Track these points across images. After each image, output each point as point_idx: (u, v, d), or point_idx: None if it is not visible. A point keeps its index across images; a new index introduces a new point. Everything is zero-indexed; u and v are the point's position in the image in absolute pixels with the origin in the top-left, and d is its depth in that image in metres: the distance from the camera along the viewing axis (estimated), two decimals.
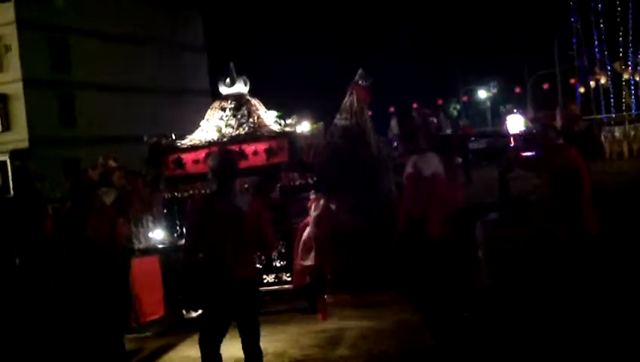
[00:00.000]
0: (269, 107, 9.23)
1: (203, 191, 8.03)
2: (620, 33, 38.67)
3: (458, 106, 60.41)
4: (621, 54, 38.89)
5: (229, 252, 4.99)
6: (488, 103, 57.61)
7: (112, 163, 9.13)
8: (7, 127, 37.12)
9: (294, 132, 8.35)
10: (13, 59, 36.36)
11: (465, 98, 58.09)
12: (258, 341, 5.14)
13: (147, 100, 40.58)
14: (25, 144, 35.79)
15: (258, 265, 8.35)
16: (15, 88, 36.39)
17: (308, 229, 8.21)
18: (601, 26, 39.94)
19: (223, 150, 5.55)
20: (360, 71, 8.71)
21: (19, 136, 36.26)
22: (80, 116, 38.13)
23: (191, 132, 9.05)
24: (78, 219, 6.33)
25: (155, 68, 41.54)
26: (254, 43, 59.49)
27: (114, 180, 9.02)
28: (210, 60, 47.67)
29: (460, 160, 9.84)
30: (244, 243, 5.03)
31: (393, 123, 7.76)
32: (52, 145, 35.49)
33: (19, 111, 36.54)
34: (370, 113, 9.08)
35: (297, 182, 8.39)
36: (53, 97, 37.15)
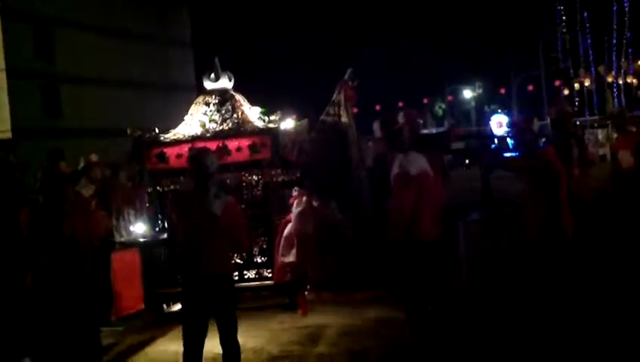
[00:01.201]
0: (253, 103, 9.23)
1: (181, 187, 8.05)
2: (605, 37, 38.99)
3: (443, 105, 60.60)
4: (606, 57, 39.20)
5: (201, 248, 5.03)
6: (473, 103, 57.85)
7: (92, 157, 9.13)
8: None
9: (278, 128, 8.37)
10: None
11: (450, 97, 58.29)
12: (235, 335, 5.16)
13: (133, 94, 40.34)
14: (8, 135, 35.52)
15: (239, 261, 8.39)
16: None
17: (290, 226, 8.23)
18: (587, 29, 40.26)
19: (201, 149, 5.56)
20: (349, 70, 8.74)
21: (2, 126, 35.97)
22: (66, 108, 37.88)
23: (176, 127, 9.05)
24: (52, 213, 6.25)
25: (142, 62, 41.37)
26: (241, 39, 59.41)
27: (95, 175, 9.04)
28: (196, 55, 47.55)
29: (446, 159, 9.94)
30: (216, 241, 5.06)
31: (375, 126, 7.79)
32: (36, 136, 35.23)
33: (2, 101, 36.20)
34: (355, 111, 9.14)
35: (280, 179, 8.40)
36: (38, 88, 36.86)
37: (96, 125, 36.71)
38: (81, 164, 9.47)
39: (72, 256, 6.21)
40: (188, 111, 9.00)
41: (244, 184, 8.40)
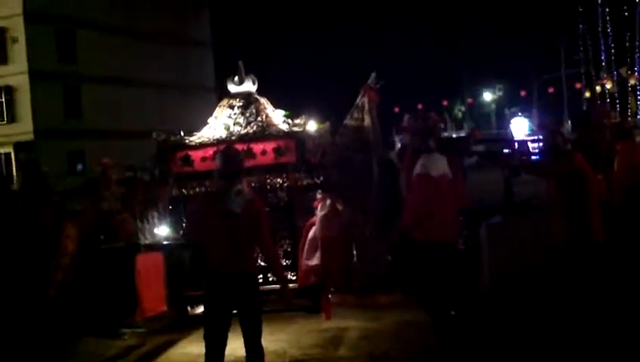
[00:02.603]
0: (277, 105, 9.27)
1: (206, 189, 8.09)
2: (627, 38, 38.62)
3: (463, 108, 60.40)
4: (628, 60, 38.83)
5: (223, 246, 5.05)
6: (493, 106, 57.65)
7: (106, 161, 9.17)
8: (12, 119, 37.29)
9: (302, 132, 8.39)
10: (20, 51, 36.47)
11: (470, 100, 58.06)
12: (259, 338, 5.17)
13: (153, 95, 40.66)
14: (30, 136, 35.89)
15: (262, 263, 8.40)
16: (21, 80, 36.51)
17: (314, 229, 8.25)
18: (608, 30, 39.92)
19: (229, 148, 5.58)
20: (372, 74, 8.76)
21: (24, 128, 36.36)
22: (86, 109, 38.22)
23: (195, 128, 9.10)
24: (28, 213, 6.13)
25: (162, 62, 41.63)
26: (262, 40, 59.60)
27: (110, 177, 9.07)
28: (216, 57, 47.76)
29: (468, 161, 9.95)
30: (238, 239, 5.08)
31: (406, 118, 7.97)
32: (57, 137, 35.60)
33: (24, 103, 36.65)
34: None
35: (304, 182, 8.42)
36: (59, 89, 37.26)
37: (116, 127, 37.03)
38: (97, 169, 9.48)
39: (37, 261, 5.98)
40: (207, 112, 9.05)
41: (268, 187, 8.42)
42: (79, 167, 35.09)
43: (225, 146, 5.99)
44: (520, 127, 37.17)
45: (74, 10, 37.72)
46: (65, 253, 6.19)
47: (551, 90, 45.72)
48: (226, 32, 52.42)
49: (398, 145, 9.94)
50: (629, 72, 38.30)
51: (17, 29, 36.37)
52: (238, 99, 8.90)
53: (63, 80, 37.24)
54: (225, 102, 9.00)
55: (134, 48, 40.33)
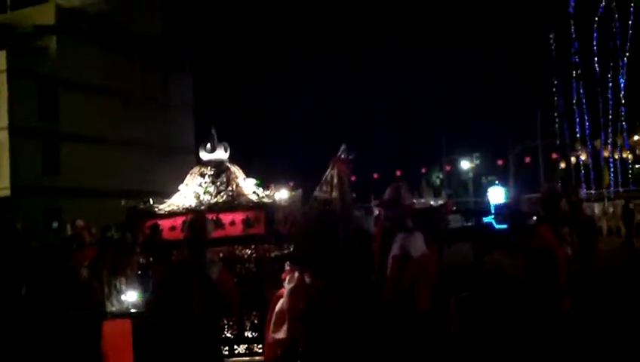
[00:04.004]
0: (249, 171, 9.33)
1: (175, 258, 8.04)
2: (600, 111, 39.56)
3: (441, 175, 60.95)
4: (602, 133, 39.70)
5: (192, 313, 5.04)
6: (471, 174, 58.18)
7: (79, 223, 9.20)
8: None
9: (272, 203, 8.43)
10: (1, 107, 36.43)
11: (448, 168, 58.66)
12: None
13: (133, 154, 40.66)
14: (7, 192, 35.59)
15: (229, 335, 8.33)
16: (1, 136, 36.36)
17: (281, 301, 8.19)
18: (583, 103, 40.84)
19: (197, 217, 5.61)
20: (343, 146, 8.84)
21: (1, 184, 36.07)
22: (65, 166, 38.08)
23: (174, 190, 9.11)
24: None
25: (143, 123, 41.77)
26: (242, 105, 60.35)
27: (85, 239, 9.09)
28: (196, 119, 48.08)
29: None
30: (209, 306, 5.08)
31: (387, 192, 8.15)
32: (34, 194, 35.34)
33: (3, 158, 36.42)
34: (353, 179, 9.20)
35: (273, 253, 8.41)
36: (39, 146, 37.15)
37: (94, 185, 36.90)
38: (69, 231, 9.52)
39: None
40: (185, 175, 9.08)
41: (236, 258, 8.39)
42: (55, 224, 34.76)
43: (194, 216, 6.02)
44: (497, 196, 37.55)
45: (58, 68, 37.99)
46: None
47: (527, 159, 46.37)
48: (208, 96, 52.98)
49: (376, 212, 10.00)
50: (603, 145, 39.11)
51: (0, 84, 36.42)
52: (209, 168, 8.94)
53: (42, 137, 37.19)
54: (196, 169, 9.04)
55: (116, 109, 40.49)
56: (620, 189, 37.50)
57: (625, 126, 39.30)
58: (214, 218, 8.12)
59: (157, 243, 8.42)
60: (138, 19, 43.73)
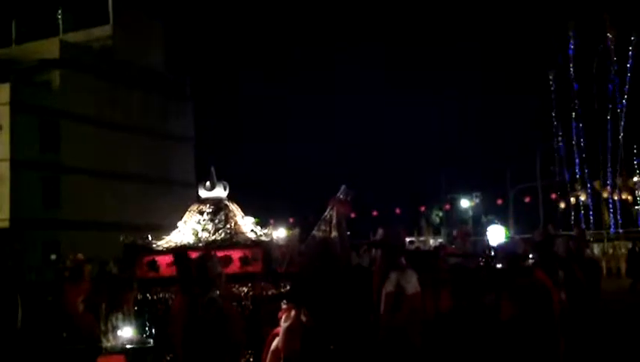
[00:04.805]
0: (247, 208, 9.38)
1: (175, 296, 8.06)
2: (600, 153, 39.83)
3: (440, 214, 60.93)
4: (601, 174, 39.89)
5: (200, 350, 5.10)
6: (470, 213, 58.20)
7: (79, 256, 9.25)
8: None
9: (270, 242, 8.47)
10: (3, 140, 36.65)
11: (447, 206, 58.73)
12: None
13: (133, 188, 40.81)
14: (6, 224, 35.61)
15: None
16: (2, 168, 36.52)
17: (277, 340, 8.18)
18: (582, 144, 41.13)
19: (206, 254, 5.76)
20: (342, 187, 8.92)
21: (1, 215, 36.11)
22: (65, 199, 38.16)
23: (173, 222, 9.16)
24: None
25: (145, 156, 41.99)
26: (242, 140, 60.71)
27: (84, 272, 9.12)
28: (196, 150, 48.35)
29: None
30: (218, 342, 5.15)
31: (380, 232, 8.10)
32: (33, 227, 35.37)
33: (3, 190, 36.52)
34: (353, 215, 9.25)
35: (270, 292, 8.43)
36: (39, 179, 37.29)
37: (93, 217, 36.97)
38: (68, 264, 9.57)
39: None
40: (187, 206, 9.15)
41: (233, 296, 8.40)
42: (53, 256, 34.71)
43: (203, 253, 6.14)
44: (497, 235, 37.50)
45: (60, 102, 38.31)
46: None
47: (527, 199, 46.47)
48: (209, 128, 53.32)
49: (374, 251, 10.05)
50: (602, 186, 39.26)
51: (3, 117, 36.68)
52: (207, 205, 9.01)
53: (43, 169, 37.35)
54: (195, 207, 9.09)
55: (117, 141, 40.73)
56: (621, 230, 37.57)
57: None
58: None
59: (154, 280, 8.45)
60: (141, 53, 44.23)
